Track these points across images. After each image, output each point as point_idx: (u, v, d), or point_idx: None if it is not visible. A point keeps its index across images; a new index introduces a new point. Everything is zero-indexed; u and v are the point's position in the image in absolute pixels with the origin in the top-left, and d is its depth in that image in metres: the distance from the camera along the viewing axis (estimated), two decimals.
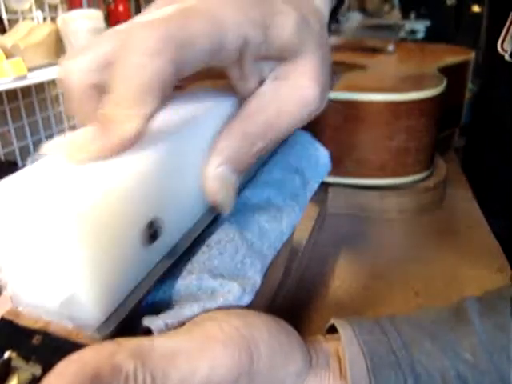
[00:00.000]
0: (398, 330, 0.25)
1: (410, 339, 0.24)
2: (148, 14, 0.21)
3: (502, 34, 0.61)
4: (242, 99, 0.23)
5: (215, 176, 0.21)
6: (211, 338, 0.18)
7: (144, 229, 0.18)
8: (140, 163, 0.18)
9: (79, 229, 0.15)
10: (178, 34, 0.17)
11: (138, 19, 0.21)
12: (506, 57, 0.60)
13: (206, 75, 0.23)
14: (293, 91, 0.23)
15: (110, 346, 0.16)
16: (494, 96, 0.69)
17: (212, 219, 0.22)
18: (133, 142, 0.18)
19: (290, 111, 0.23)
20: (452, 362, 0.23)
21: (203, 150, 0.21)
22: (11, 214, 0.15)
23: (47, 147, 0.18)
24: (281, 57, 0.23)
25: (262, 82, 0.24)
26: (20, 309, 0.17)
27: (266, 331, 0.20)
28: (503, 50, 0.61)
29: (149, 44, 0.17)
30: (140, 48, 0.17)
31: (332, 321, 0.26)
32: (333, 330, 0.26)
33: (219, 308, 0.20)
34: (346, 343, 0.24)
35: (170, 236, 0.20)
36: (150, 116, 0.18)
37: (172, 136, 0.20)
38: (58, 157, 0.17)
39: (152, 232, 0.18)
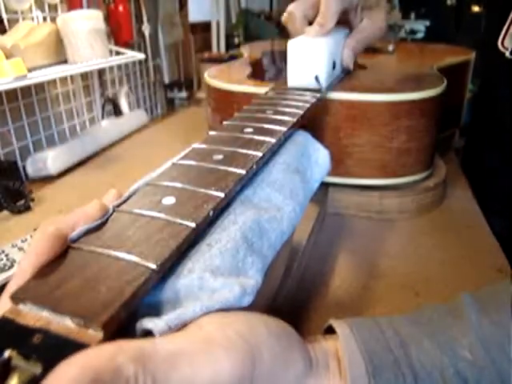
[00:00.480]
0: (396, 329, 0.25)
1: (408, 338, 0.24)
2: None
3: (503, 32, 0.61)
4: (352, 29, 0.55)
5: (347, 54, 0.54)
6: (213, 342, 0.18)
7: (331, 61, 0.50)
8: (329, 39, 0.48)
9: (325, 50, 0.47)
10: None
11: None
12: (507, 54, 0.60)
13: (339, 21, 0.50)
14: (375, 24, 0.55)
15: (110, 349, 0.15)
16: (494, 95, 0.69)
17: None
18: (328, 32, 0.48)
19: (374, 32, 0.55)
20: (450, 359, 0.23)
21: (342, 41, 0.53)
22: (300, 45, 0.48)
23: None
24: (370, 8, 0.54)
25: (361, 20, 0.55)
26: (20, 307, 0.17)
27: (268, 335, 0.20)
28: (504, 47, 0.61)
29: None
30: None
31: (330, 321, 0.26)
32: (331, 330, 0.26)
33: (220, 309, 0.20)
34: (344, 343, 0.23)
35: (337, 70, 0.53)
36: (334, 24, 0.49)
37: (335, 34, 0.50)
38: (303, 36, 0.47)
39: (333, 64, 0.51)
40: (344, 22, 0.54)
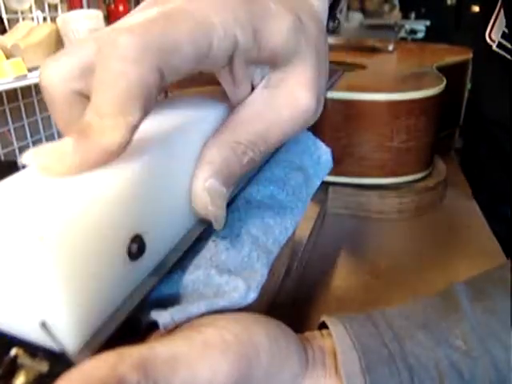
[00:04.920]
0: (389, 323, 0.25)
1: (401, 331, 0.24)
2: (130, 18, 0.19)
3: (490, 23, 0.59)
4: (232, 106, 0.22)
5: (204, 190, 0.20)
6: (210, 345, 0.18)
7: (127, 245, 0.17)
8: (122, 175, 0.16)
9: (49, 251, 0.13)
10: (161, 40, 0.16)
11: (119, 23, 0.20)
12: (494, 47, 0.59)
13: (196, 80, 0.22)
14: (286, 101, 0.22)
15: (111, 358, 0.15)
16: (484, 92, 0.68)
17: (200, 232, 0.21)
18: (115, 155, 0.16)
19: (283, 122, 0.22)
20: (445, 351, 0.23)
21: (192, 161, 0.20)
22: None
23: (25, 157, 0.16)
24: (273, 63, 0.21)
25: (253, 89, 0.22)
26: None
27: (266, 337, 0.20)
28: (491, 39, 0.60)
29: (130, 50, 0.16)
30: (121, 54, 0.16)
31: (323, 318, 0.26)
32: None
33: (225, 305, 0.20)
34: (338, 340, 0.23)
35: (156, 251, 0.19)
36: (134, 126, 0.16)
37: (157, 146, 0.18)
38: (34, 168, 0.16)
39: (136, 248, 0.17)
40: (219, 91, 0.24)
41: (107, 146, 0.16)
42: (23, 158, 0.16)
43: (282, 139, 0.22)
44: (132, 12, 0.21)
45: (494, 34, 0.59)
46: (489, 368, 0.23)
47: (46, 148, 0.16)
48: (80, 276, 0.15)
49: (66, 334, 0.15)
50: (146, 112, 0.17)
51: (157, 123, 0.19)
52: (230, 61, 0.19)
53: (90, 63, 0.19)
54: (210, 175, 0.20)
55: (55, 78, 0.20)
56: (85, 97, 0.19)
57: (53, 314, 0.14)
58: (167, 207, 0.19)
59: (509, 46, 0.55)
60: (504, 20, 0.55)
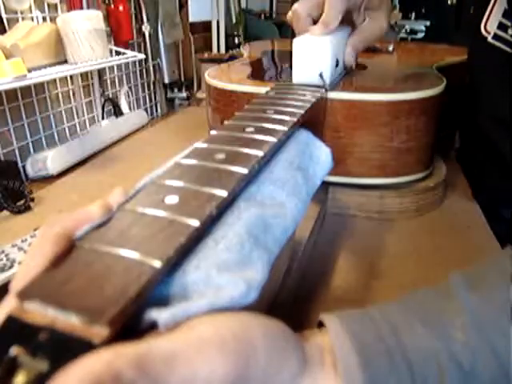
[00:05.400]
0: (387, 318, 0.25)
1: (399, 325, 0.24)
2: None
3: (486, 13, 0.59)
4: (354, 28, 0.56)
5: (349, 53, 0.55)
6: (208, 343, 0.18)
7: (335, 59, 0.51)
8: (334, 38, 0.50)
9: (329, 48, 0.49)
10: None
11: None
12: (489, 39, 0.58)
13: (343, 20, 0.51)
14: (377, 24, 0.56)
15: (108, 355, 0.15)
16: (481, 87, 0.67)
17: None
18: (332, 31, 0.50)
19: (375, 31, 0.56)
20: (444, 343, 0.23)
21: (345, 40, 0.55)
22: (305, 43, 0.50)
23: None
24: (372, 8, 0.55)
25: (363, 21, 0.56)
26: (26, 305, 0.17)
27: (263, 336, 0.20)
28: (486, 31, 0.59)
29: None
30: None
31: (320, 316, 0.26)
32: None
33: (225, 305, 0.20)
34: (335, 337, 0.23)
35: (339, 67, 0.54)
36: (338, 23, 0.50)
37: (339, 33, 0.52)
38: (307, 34, 0.50)
39: (337, 62, 0.52)
40: (347, 21, 0.55)
41: (333, 27, 0.50)
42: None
43: (376, 39, 0.57)
44: None
45: (489, 26, 0.58)
46: (489, 357, 0.23)
47: (311, 27, 0.50)
48: (331, 58, 0.50)
49: (327, 78, 0.49)
50: (342, 18, 0.50)
51: (338, 27, 0.51)
52: (360, 5, 0.54)
53: (319, 2, 0.51)
54: (351, 47, 0.55)
55: (302, 6, 0.52)
56: (312, 19, 0.52)
57: (326, 67, 0.49)
58: (341, 53, 0.55)
59: (506, 36, 0.55)
60: (500, 10, 0.55)
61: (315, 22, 0.51)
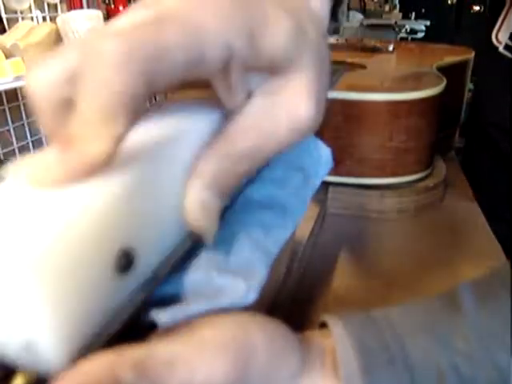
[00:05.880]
0: (390, 324, 0.25)
1: (403, 332, 0.24)
2: (118, 21, 0.18)
3: (498, 24, 0.59)
4: (227, 113, 0.21)
5: (197, 202, 0.19)
6: (207, 345, 0.18)
7: (115, 260, 0.16)
8: (109, 188, 0.16)
9: (34, 270, 0.13)
10: (148, 46, 0.15)
11: (107, 27, 0.19)
12: (500, 48, 0.59)
13: (190, 84, 0.21)
14: (284, 110, 0.20)
15: (108, 358, 0.15)
16: (487, 94, 0.67)
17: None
18: (101, 165, 0.16)
19: (280, 132, 0.20)
20: (446, 353, 0.23)
21: (183, 172, 0.19)
22: None
23: (9, 169, 0.16)
24: (272, 69, 0.20)
25: (250, 95, 0.21)
26: None
27: (263, 337, 0.20)
28: (498, 41, 0.59)
29: (114, 57, 0.15)
30: (106, 60, 0.15)
31: (323, 317, 0.26)
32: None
33: (225, 306, 0.20)
34: (337, 340, 0.23)
35: (145, 265, 0.18)
36: (121, 136, 0.16)
37: (147, 156, 0.17)
38: (19, 180, 0.16)
39: (124, 262, 0.16)
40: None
41: (91, 157, 0.15)
42: (6, 171, 0.16)
43: (279, 149, 0.21)
44: (122, 14, 0.19)
45: (500, 36, 0.58)
46: (490, 371, 0.23)
47: (32, 158, 0.16)
48: (65, 293, 0.14)
49: (52, 353, 0.14)
50: (131, 121, 0.16)
51: (146, 133, 0.18)
52: (225, 68, 0.18)
53: (74, 70, 0.17)
54: (202, 186, 0.19)
55: (42, 83, 0.18)
56: (73, 104, 0.17)
57: (37, 334, 0.14)
58: (157, 220, 0.18)
59: None
60: None
61: None
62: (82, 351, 0.15)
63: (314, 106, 0.20)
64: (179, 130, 0.19)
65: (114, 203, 0.16)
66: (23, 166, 0.16)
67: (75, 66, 0.17)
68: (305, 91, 0.20)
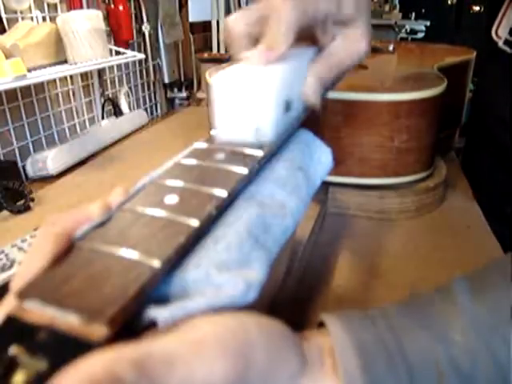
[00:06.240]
0: (387, 320, 0.25)
1: (400, 328, 0.24)
2: None
3: (497, 19, 0.59)
4: (320, 48, 0.37)
5: (311, 86, 0.35)
6: (207, 343, 0.18)
7: (284, 104, 0.31)
8: (283, 66, 0.31)
9: (273, 88, 0.29)
10: (306, 7, 0.33)
11: None
12: (500, 44, 0.58)
13: (299, 35, 0.35)
14: (352, 45, 0.37)
15: (108, 356, 0.15)
16: (488, 91, 0.67)
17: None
18: (281, 58, 0.31)
19: (350, 55, 0.37)
20: (444, 346, 0.23)
21: (305, 69, 0.35)
22: (232, 82, 0.29)
23: (245, 55, 0.32)
24: (346, 23, 0.36)
25: (334, 37, 0.37)
26: (26, 305, 0.17)
27: (262, 336, 0.20)
28: (497, 36, 0.59)
29: (288, 7, 0.32)
30: (284, 8, 0.32)
31: (321, 316, 0.26)
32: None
33: (225, 304, 0.20)
34: (336, 339, 0.23)
35: (294, 109, 0.34)
36: (290, 44, 0.32)
37: (295, 58, 0.33)
38: (241, 65, 0.32)
39: (287, 106, 0.32)
40: (308, 40, 0.38)
41: (280, 53, 0.31)
42: (240, 56, 0.33)
43: (350, 65, 0.37)
44: None
45: (500, 31, 0.58)
46: (489, 362, 0.23)
47: (248, 53, 0.32)
48: (277, 107, 0.30)
49: (269, 134, 0.30)
50: (295, 37, 0.32)
51: (292, 51, 0.33)
52: (324, 21, 0.35)
53: (260, 14, 0.33)
54: (314, 78, 0.35)
55: (239, 21, 0.34)
56: (253, 38, 0.34)
57: (265, 122, 0.29)
58: (298, 88, 0.35)
59: None
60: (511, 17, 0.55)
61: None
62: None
63: (367, 43, 0.37)
64: (303, 52, 0.36)
65: (285, 73, 0.31)
66: (245, 56, 0.32)
67: (264, 12, 0.33)
68: (364, 36, 0.37)
